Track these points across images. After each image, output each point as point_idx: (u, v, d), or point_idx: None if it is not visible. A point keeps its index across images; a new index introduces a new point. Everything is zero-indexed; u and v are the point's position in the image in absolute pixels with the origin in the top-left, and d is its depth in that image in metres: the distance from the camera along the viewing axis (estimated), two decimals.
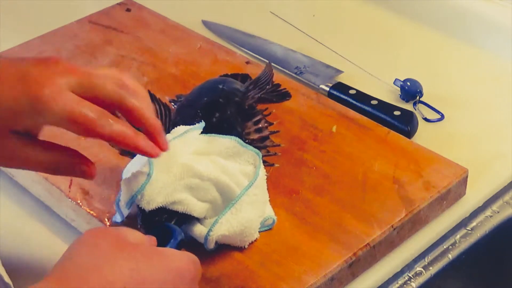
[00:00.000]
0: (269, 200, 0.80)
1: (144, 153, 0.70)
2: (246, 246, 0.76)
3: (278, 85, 0.95)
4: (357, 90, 0.97)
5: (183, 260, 0.65)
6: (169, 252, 0.66)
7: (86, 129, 0.67)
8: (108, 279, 0.60)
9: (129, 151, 0.78)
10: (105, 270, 0.61)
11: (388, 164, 0.85)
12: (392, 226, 0.78)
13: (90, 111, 0.66)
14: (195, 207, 0.75)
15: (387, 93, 0.99)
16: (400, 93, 0.99)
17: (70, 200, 0.82)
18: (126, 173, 0.77)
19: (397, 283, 0.80)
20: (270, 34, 1.11)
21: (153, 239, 0.68)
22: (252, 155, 0.79)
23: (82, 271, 0.61)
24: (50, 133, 0.90)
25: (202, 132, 0.80)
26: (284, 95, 0.95)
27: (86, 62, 1.02)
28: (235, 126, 0.83)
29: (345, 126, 0.90)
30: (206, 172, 0.75)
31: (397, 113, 0.93)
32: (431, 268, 0.81)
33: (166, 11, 1.12)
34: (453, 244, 0.84)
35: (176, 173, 0.75)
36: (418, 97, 0.98)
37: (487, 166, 0.89)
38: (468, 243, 0.84)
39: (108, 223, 0.79)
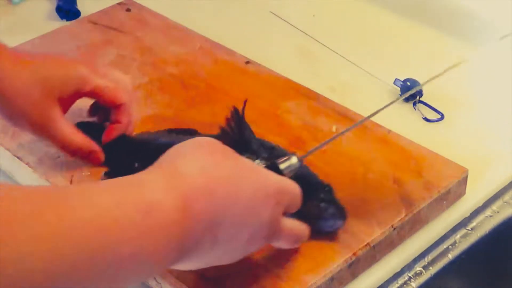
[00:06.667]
0: None
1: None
2: None
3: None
4: None
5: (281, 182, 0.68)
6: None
7: None
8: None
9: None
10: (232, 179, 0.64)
11: (388, 164, 0.85)
12: (392, 226, 0.78)
13: None
14: None
15: (387, 93, 0.99)
16: (400, 93, 0.99)
17: None
18: None
19: (397, 283, 0.79)
20: (270, 34, 1.11)
21: None
22: None
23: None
24: None
25: None
26: None
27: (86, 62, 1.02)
28: None
29: (345, 126, 0.90)
30: None
31: None
32: (431, 268, 0.81)
33: (166, 11, 1.12)
34: (453, 244, 0.84)
35: None
36: (418, 97, 0.98)
37: (487, 166, 0.89)
38: (468, 243, 0.84)
39: None
